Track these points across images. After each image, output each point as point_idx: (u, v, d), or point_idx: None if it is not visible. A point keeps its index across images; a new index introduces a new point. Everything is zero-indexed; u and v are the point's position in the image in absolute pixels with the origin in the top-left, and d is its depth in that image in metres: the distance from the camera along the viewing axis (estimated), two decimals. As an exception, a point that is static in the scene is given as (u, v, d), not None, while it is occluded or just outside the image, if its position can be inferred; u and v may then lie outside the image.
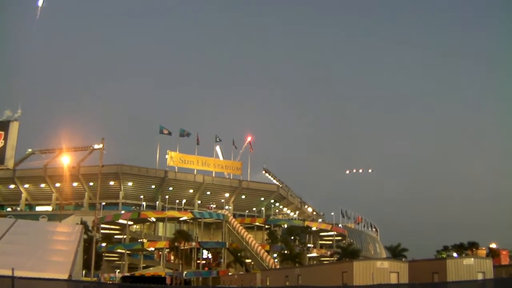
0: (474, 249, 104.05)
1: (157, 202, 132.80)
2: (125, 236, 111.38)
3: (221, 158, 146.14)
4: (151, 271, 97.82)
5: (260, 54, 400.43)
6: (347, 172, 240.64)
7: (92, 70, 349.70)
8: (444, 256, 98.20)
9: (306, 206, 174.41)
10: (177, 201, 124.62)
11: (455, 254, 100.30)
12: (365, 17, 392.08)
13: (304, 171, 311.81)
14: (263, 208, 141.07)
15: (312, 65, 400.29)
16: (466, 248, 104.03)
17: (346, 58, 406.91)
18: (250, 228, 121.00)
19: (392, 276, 46.69)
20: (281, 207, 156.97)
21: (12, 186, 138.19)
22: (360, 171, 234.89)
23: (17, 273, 18.54)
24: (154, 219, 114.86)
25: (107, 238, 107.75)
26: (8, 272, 18.50)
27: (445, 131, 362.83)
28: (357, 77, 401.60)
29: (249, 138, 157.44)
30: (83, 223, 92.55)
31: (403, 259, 73.24)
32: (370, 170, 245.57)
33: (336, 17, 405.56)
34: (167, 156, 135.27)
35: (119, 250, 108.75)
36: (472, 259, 51.44)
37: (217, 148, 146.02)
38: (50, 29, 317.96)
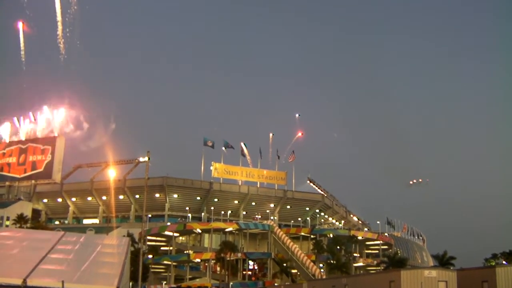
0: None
1: (203, 214, 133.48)
2: (171, 248, 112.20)
3: (247, 157, 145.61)
4: (197, 283, 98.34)
5: (307, 57, 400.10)
6: (410, 182, 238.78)
7: (136, 83, 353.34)
8: (493, 264, 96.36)
9: (351, 215, 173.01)
10: (223, 212, 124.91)
11: (504, 262, 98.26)
12: (427, 26, 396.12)
13: (349, 179, 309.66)
14: (308, 218, 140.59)
15: (360, 66, 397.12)
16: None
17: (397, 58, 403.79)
18: (295, 238, 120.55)
19: (441, 285, 46.00)
20: (326, 216, 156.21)
21: (59, 199, 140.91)
22: (420, 180, 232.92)
23: (67, 286, 18.88)
24: (199, 231, 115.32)
25: (154, 250, 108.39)
26: (58, 285, 18.85)
27: (495, 139, 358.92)
28: (410, 82, 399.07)
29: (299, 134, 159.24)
30: (130, 235, 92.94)
31: (451, 268, 72.06)
32: (427, 180, 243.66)
33: (394, 24, 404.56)
34: (211, 168, 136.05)
35: (165, 262, 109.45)
36: (523, 266, 50.42)
37: (242, 145, 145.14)
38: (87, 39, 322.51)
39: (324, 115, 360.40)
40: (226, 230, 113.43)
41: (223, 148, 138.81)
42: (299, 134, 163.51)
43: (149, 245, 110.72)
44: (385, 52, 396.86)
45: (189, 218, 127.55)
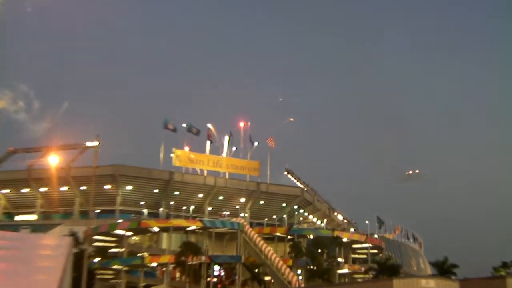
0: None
1: (161, 209, 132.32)
2: (122, 250, 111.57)
3: (224, 152, 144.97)
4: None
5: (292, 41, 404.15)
6: (408, 173, 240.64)
7: (82, 54, 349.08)
8: (503, 274, 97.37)
9: (335, 213, 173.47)
10: (184, 207, 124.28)
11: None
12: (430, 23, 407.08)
13: (334, 172, 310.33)
14: (285, 216, 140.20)
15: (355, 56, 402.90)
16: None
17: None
18: (269, 239, 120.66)
19: (440, 297, 46.22)
20: (306, 214, 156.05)
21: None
22: (417, 172, 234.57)
23: (-6, 295, 18.37)
24: (157, 229, 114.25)
25: (101, 252, 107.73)
26: (-18, 294, 18.33)
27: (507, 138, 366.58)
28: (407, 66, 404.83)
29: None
30: (73, 234, 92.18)
31: (453, 277, 72.60)
32: (426, 172, 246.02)
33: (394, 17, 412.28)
34: (172, 155, 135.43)
35: (115, 266, 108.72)
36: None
37: (226, 139, 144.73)
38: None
39: (308, 102, 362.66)
40: (188, 228, 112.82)
41: (185, 125, 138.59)
42: (290, 119, 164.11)
43: (95, 246, 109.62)
44: (381, 41, 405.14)
45: (144, 214, 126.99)
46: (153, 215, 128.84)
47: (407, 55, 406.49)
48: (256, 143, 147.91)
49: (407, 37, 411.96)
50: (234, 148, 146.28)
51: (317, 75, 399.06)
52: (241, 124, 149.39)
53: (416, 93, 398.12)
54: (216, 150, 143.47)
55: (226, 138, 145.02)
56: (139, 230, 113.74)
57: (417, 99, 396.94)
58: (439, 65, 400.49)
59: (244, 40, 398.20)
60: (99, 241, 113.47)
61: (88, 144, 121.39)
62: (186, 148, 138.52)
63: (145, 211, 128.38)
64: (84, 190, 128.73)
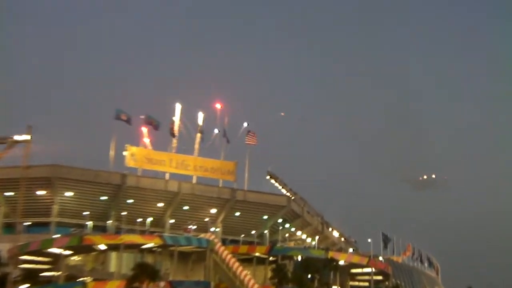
0: None
1: (109, 222, 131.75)
2: (59, 273, 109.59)
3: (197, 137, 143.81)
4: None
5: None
6: (420, 178, 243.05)
7: (16, 32, 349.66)
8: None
9: (330, 229, 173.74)
10: (140, 219, 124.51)
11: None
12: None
13: (329, 178, 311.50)
14: (266, 232, 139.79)
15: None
16: None
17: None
18: (247, 260, 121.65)
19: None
20: (293, 229, 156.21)
21: None
22: (433, 176, 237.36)
23: None
24: (104, 247, 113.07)
25: (31, 276, 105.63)
26: None
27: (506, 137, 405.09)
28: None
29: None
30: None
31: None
32: (445, 177, 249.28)
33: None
34: (125, 153, 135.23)
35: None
36: None
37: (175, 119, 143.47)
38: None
39: (302, 100, 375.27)
40: (144, 246, 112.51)
41: (142, 117, 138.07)
42: (282, 113, 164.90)
43: (23, 269, 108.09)
44: (381, 41, 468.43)
45: (88, 228, 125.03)
46: (100, 229, 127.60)
47: (407, 55, 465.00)
48: (245, 124, 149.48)
49: (407, 37, 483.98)
50: (216, 131, 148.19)
51: (317, 74, 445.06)
52: (218, 106, 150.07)
53: (414, 93, 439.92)
54: (181, 148, 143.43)
55: (200, 115, 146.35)
56: (81, 248, 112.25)
57: (416, 99, 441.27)
58: (439, 64, 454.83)
59: (240, 40, 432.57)
60: (29, 262, 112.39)
61: (17, 137, 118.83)
62: (147, 141, 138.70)
63: (89, 224, 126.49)
64: (10, 196, 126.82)
